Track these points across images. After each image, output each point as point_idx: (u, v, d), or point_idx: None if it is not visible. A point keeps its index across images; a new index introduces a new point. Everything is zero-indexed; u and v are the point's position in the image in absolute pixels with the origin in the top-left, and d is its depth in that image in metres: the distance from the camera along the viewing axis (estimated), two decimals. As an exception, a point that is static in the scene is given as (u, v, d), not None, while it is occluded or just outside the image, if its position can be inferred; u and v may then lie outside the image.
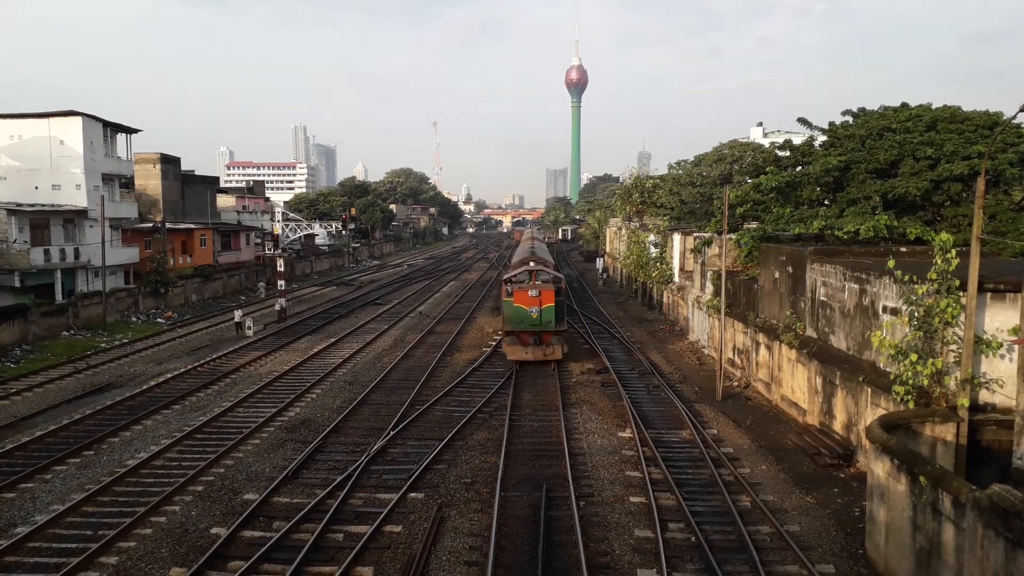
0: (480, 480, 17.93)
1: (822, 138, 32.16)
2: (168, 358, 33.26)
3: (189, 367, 30.59)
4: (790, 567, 13.65)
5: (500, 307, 35.98)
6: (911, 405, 15.69)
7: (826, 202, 29.96)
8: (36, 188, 45.11)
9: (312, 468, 18.87)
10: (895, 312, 17.42)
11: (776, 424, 22.86)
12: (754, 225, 32.30)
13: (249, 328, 39.15)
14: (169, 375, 29.25)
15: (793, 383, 23.69)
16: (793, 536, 14.70)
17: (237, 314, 40.84)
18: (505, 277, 32.39)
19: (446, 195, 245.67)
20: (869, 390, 18.34)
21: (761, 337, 26.77)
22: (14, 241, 39.30)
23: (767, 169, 30.95)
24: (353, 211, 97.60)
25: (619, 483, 17.72)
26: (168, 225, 54.35)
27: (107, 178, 47.87)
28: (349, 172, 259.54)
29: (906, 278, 16.35)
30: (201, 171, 78.12)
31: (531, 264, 33.20)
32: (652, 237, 50.89)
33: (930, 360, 15.55)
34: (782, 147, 33.97)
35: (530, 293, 29.32)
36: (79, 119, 44.95)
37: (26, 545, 14.60)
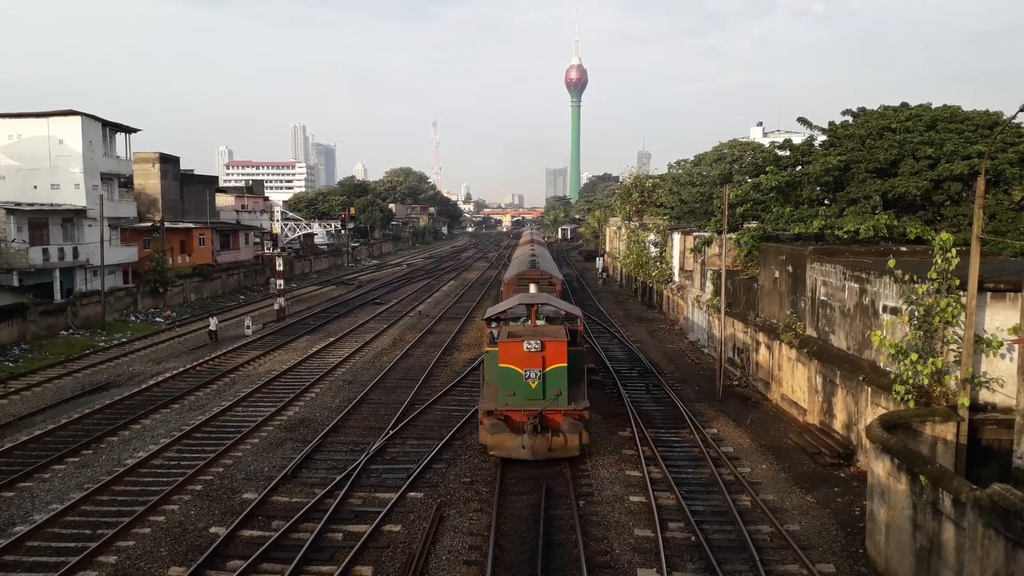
0: (479, 479, 17.90)
1: (822, 138, 32.13)
2: (167, 357, 33.23)
3: (188, 366, 30.56)
4: (790, 566, 13.63)
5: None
6: (911, 404, 15.68)
7: (826, 201, 29.94)
8: (35, 187, 45.07)
9: (311, 467, 18.85)
10: (895, 311, 17.40)
11: (776, 423, 22.84)
12: (754, 224, 32.28)
13: (248, 328, 39.08)
14: (168, 374, 29.21)
15: (793, 382, 23.67)
16: (793, 535, 14.68)
17: (212, 321, 38.30)
18: (488, 313, 21.41)
19: (445, 194, 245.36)
20: (869, 389, 18.33)
21: (761, 336, 26.76)
22: (13, 240, 39.25)
23: (767, 168, 30.89)
24: (352, 210, 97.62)
25: (619, 482, 17.70)
26: (167, 224, 54.29)
27: (106, 177, 47.82)
28: (348, 171, 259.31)
29: (906, 277, 16.34)
30: (200, 170, 77.90)
31: (531, 287, 23.27)
32: (652, 236, 50.91)
33: (930, 359, 15.53)
34: (782, 147, 33.93)
35: (527, 346, 17.87)
36: (78, 119, 44.90)
37: (25, 544, 14.58)
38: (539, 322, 20.68)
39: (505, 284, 28.26)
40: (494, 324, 20.84)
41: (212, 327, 38.04)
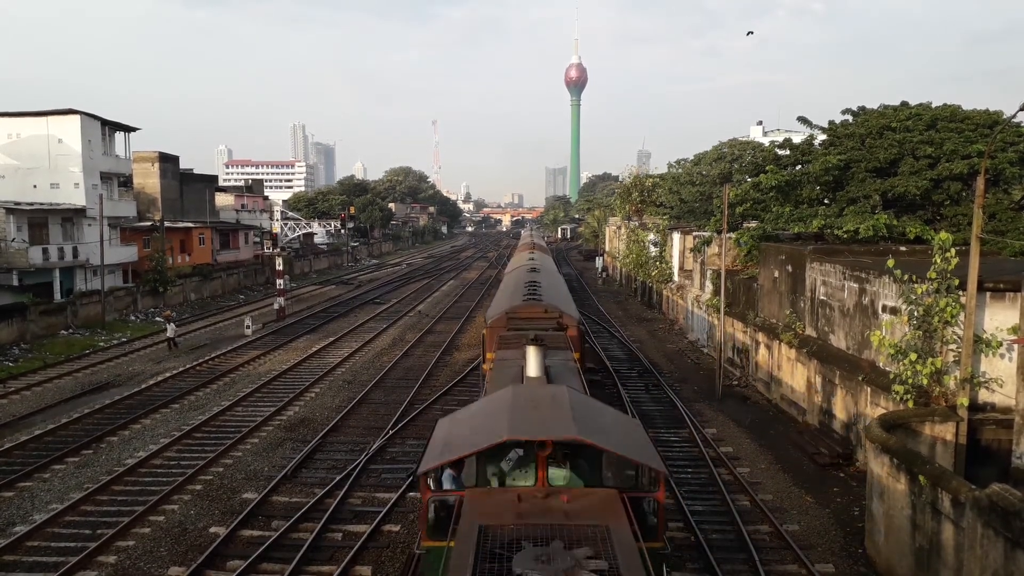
0: (479, 479, 17.87)
1: (822, 137, 32.13)
2: (166, 357, 33.22)
3: (188, 366, 30.56)
4: (789, 566, 13.64)
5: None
6: (911, 404, 15.69)
7: (826, 201, 29.94)
8: (34, 187, 45.05)
9: (311, 467, 18.85)
10: (895, 311, 17.41)
11: (775, 423, 22.84)
12: (754, 224, 32.29)
13: (248, 327, 39.07)
14: (168, 374, 29.20)
15: (792, 382, 23.67)
16: (792, 535, 14.69)
17: (170, 328, 34.84)
18: (426, 462, 8.78)
19: (445, 194, 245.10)
20: (868, 389, 18.34)
21: (760, 336, 26.76)
22: (12, 240, 39.25)
23: (767, 168, 30.89)
24: (352, 210, 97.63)
25: (618, 482, 17.68)
26: (167, 224, 54.28)
27: (105, 177, 47.80)
28: (348, 171, 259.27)
29: (905, 277, 16.34)
30: (200, 170, 77.82)
31: (531, 352, 11.81)
32: (651, 236, 50.90)
33: (929, 359, 15.54)
34: (782, 146, 33.93)
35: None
36: (77, 118, 44.88)
37: (25, 544, 14.59)
38: (557, 474, 8.99)
39: (488, 327, 18.72)
40: (450, 477, 9.45)
41: (169, 334, 34.69)
